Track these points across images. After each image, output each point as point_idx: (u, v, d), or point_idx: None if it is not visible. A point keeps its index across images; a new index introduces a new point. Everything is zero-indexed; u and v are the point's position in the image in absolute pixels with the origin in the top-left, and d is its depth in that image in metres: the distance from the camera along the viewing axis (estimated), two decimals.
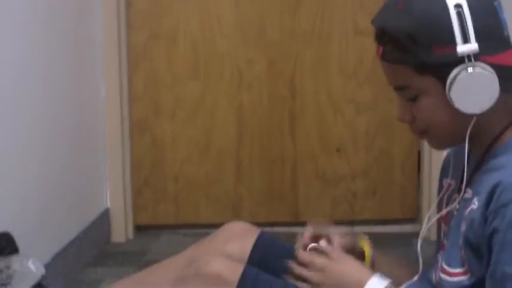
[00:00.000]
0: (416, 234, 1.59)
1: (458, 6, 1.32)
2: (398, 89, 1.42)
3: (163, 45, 3.36)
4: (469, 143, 1.38)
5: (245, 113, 3.40)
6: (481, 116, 1.35)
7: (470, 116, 1.35)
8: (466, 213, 1.36)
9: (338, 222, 3.38)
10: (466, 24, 1.31)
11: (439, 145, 1.48)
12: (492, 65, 1.32)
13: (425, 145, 3.24)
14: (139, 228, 3.44)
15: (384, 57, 1.40)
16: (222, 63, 3.37)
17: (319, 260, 1.55)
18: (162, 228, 3.45)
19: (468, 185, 1.42)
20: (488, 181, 1.32)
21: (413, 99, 1.40)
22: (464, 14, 1.32)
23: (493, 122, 1.39)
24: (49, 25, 2.68)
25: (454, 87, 1.32)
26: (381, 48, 1.39)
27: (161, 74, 3.38)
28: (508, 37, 1.37)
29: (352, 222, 3.44)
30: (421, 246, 1.48)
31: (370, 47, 3.46)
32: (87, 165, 3.15)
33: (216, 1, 3.34)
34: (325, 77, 3.38)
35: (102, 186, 3.30)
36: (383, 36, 1.38)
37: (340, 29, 3.35)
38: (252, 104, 3.39)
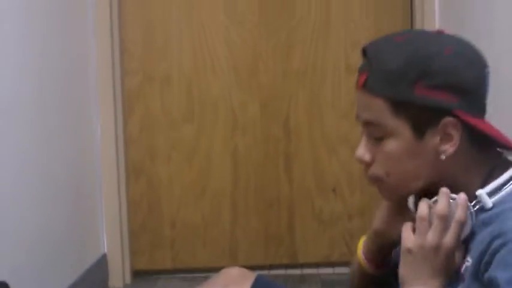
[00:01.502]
0: None
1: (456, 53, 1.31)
2: (368, 124, 1.35)
3: (158, 88, 3.38)
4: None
5: (240, 156, 3.41)
6: (446, 170, 1.32)
7: (436, 168, 1.32)
8: (462, 271, 1.30)
9: (335, 263, 3.42)
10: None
11: (390, 195, 1.41)
12: (466, 124, 1.30)
13: None
14: (136, 273, 3.42)
15: (365, 85, 1.33)
16: (216, 106, 3.39)
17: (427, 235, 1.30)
18: (160, 273, 3.44)
19: None
20: (480, 236, 1.28)
21: (380, 139, 1.34)
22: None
23: (458, 177, 1.34)
24: (43, 68, 2.69)
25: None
26: (365, 76, 1.34)
27: (156, 117, 3.39)
28: (485, 106, 1.35)
29: (349, 263, 3.43)
30: None
31: None
32: (84, 209, 3.14)
33: (210, 44, 3.36)
34: (319, 118, 3.39)
35: (98, 231, 3.29)
36: (372, 63, 1.34)
37: (332, 68, 3.37)
38: (246, 146, 3.40)
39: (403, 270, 1.31)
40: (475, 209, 1.31)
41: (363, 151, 1.38)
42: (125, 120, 3.37)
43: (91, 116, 3.22)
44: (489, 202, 1.29)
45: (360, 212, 3.41)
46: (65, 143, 2.91)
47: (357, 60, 3.57)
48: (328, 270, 3.42)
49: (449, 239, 1.28)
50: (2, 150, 2.31)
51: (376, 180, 1.39)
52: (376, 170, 1.37)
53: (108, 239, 3.32)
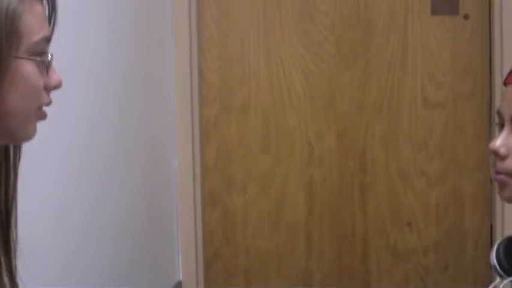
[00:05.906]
0: None
1: None
2: None
3: (235, 118, 3.42)
4: None
5: (316, 186, 3.41)
6: None
7: None
8: None
9: None
10: None
11: None
12: None
13: (498, 218, 3.19)
14: None
15: None
16: (293, 137, 3.40)
17: None
18: None
19: None
20: None
21: None
22: None
23: None
24: (124, 96, 2.75)
25: None
26: None
27: (233, 146, 3.42)
28: None
29: None
30: None
31: (439, 118, 3.46)
32: (160, 237, 3.18)
33: (287, 75, 3.39)
34: (395, 150, 3.38)
35: (174, 259, 3.32)
36: None
37: (409, 101, 3.35)
38: (322, 177, 3.40)
39: None
40: None
41: (500, 144, 1.38)
42: (202, 149, 3.41)
43: (169, 144, 3.27)
44: None
45: (435, 247, 3.37)
46: (143, 170, 2.96)
47: (434, 92, 3.55)
48: None
49: None
50: (85, 178, 2.36)
51: (506, 176, 1.38)
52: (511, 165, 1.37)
53: (184, 267, 3.35)
